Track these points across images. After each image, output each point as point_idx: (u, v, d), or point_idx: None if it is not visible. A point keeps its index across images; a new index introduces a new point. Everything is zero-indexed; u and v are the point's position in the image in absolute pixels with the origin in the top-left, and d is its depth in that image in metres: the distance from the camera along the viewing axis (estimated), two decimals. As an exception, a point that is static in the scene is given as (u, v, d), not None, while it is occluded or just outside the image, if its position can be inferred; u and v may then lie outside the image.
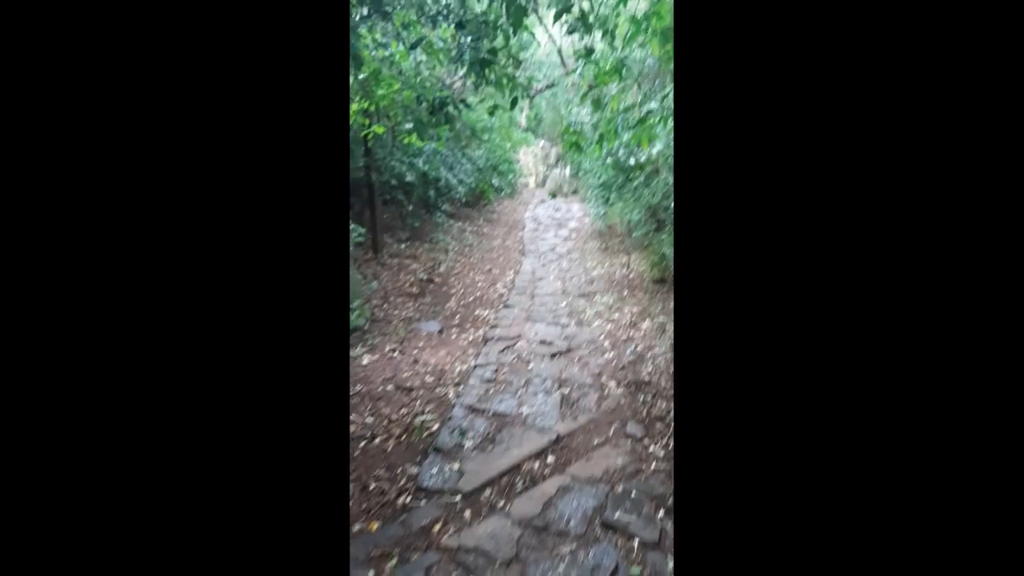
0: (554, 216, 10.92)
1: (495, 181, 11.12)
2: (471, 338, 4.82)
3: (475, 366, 4.08)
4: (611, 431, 3.15)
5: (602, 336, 4.63)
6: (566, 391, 3.66)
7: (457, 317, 5.43)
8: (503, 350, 4.37)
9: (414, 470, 2.77)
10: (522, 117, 9.52)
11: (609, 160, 7.31)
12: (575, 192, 14.16)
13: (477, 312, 5.53)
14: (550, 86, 9.77)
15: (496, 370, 3.99)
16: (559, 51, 9.56)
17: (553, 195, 11.11)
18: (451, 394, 3.72)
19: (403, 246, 7.22)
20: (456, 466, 2.79)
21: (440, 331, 5.00)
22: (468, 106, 5.13)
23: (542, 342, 4.50)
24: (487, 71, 3.45)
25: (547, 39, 11.71)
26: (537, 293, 5.97)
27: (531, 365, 4.08)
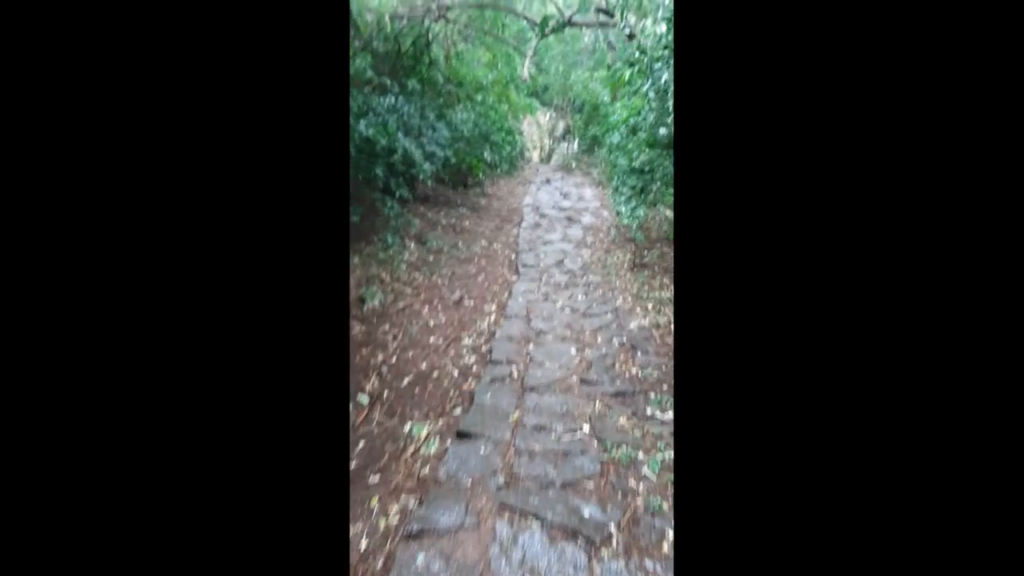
0: (561, 205, 7.73)
1: (487, 155, 7.90)
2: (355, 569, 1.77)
3: None
4: None
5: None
6: None
7: (353, 456, 2.36)
8: None
9: None
10: (524, 68, 6.28)
11: (663, 131, 4.13)
12: (586, 173, 10.92)
13: (405, 432, 2.46)
14: (565, 24, 6.48)
15: None
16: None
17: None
18: None
19: (320, 257, 4.12)
20: None
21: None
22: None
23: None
24: None
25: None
26: (532, 377, 2.87)
27: None
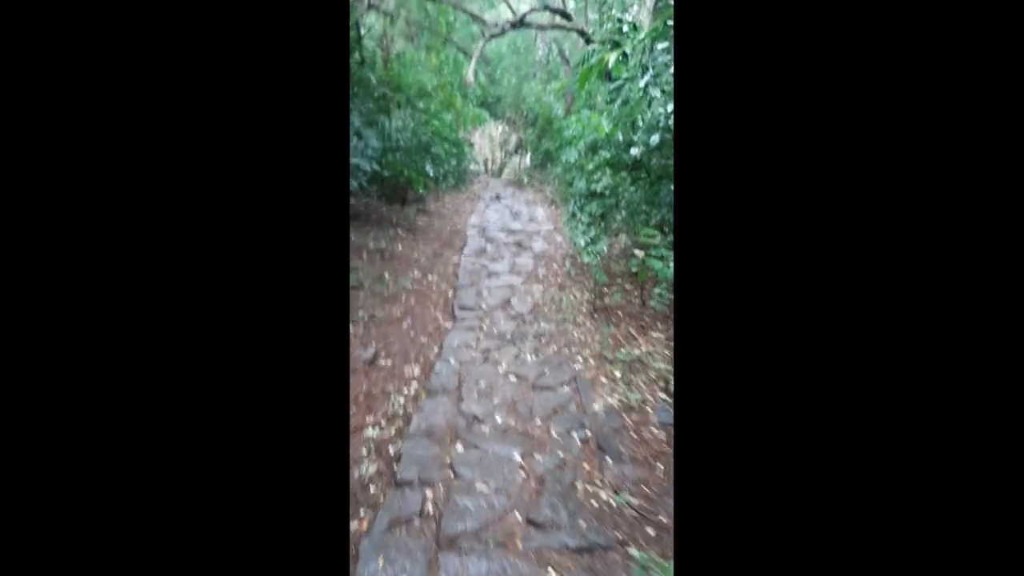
0: (510, 227, 6.77)
1: (429, 168, 6.85)
2: None
3: None
4: None
5: None
6: None
7: None
8: None
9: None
10: (470, 71, 5.31)
11: (635, 152, 3.21)
12: (539, 190, 10.05)
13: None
14: (518, 24, 5.56)
15: None
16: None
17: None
18: None
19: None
20: None
21: None
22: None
23: None
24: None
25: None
26: (454, 515, 1.83)
27: None
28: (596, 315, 3.86)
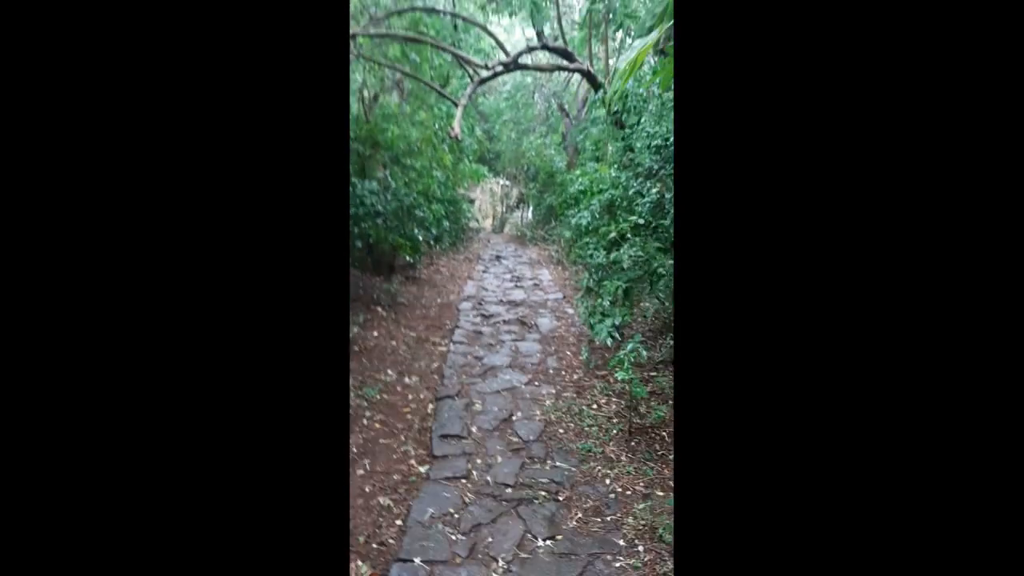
0: (512, 297, 5.64)
1: (418, 233, 5.80)
2: None
3: None
4: None
5: None
6: None
7: None
8: None
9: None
10: (456, 121, 4.34)
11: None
12: (543, 248, 9.00)
13: None
14: (511, 65, 4.62)
15: None
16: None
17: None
18: None
19: None
20: None
21: None
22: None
23: None
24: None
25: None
26: None
27: None
28: (633, 439, 2.66)
